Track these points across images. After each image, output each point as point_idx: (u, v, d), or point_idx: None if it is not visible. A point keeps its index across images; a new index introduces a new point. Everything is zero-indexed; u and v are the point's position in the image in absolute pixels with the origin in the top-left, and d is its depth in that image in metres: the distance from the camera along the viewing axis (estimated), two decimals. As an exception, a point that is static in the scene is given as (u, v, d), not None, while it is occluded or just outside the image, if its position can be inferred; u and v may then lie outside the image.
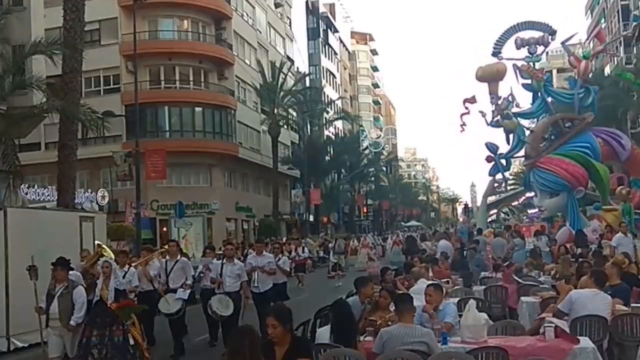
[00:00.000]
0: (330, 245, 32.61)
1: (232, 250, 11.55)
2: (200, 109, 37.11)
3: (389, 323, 6.68)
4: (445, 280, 11.37)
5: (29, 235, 12.06)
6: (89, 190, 30.58)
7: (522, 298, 10.20)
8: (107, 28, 35.22)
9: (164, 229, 33.18)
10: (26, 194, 25.02)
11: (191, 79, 37.73)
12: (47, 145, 31.89)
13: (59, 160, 19.70)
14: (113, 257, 10.83)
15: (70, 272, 8.70)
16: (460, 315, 7.04)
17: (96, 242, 12.30)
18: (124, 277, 9.78)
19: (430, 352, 5.97)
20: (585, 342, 6.49)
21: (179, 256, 11.34)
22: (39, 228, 12.59)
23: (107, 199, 30.78)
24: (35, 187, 27.06)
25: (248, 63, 43.32)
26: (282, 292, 12.52)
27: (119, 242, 22.68)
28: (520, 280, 11.71)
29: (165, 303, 10.47)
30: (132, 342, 8.35)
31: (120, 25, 35.17)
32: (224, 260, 11.11)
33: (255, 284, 11.63)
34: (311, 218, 52.15)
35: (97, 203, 29.71)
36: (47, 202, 24.58)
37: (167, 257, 11.33)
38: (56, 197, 20.68)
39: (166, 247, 12.06)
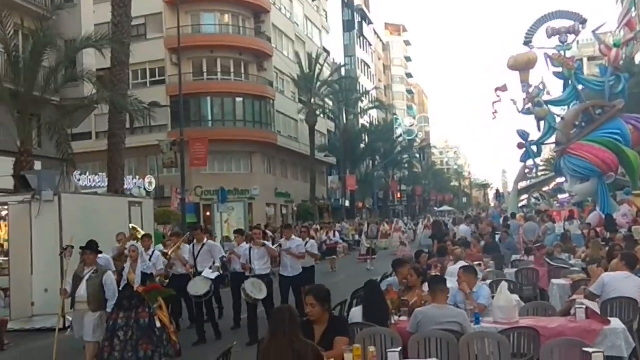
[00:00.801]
0: (363, 229, 32.97)
1: (259, 234, 11.29)
2: (240, 99, 37.86)
3: (423, 303, 6.83)
4: (477, 263, 11.51)
5: (82, 219, 12.61)
6: (137, 177, 31.44)
7: (553, 280, 10.26)
8: (152, 23, 36.22)
9: (208, 213, 33.69)
10: (79, 180, 26.17)
11: (232, 70, 38.48)
12: (97, 135, 33.03)
13: (108, 148, 20.70)
14: None
15: (100, 256, 8.84)
16: (493, 297, 7.09)
17: (130, 225, 12.45)
18: (149, 260, 9.77)
19: (464, 332, 6.02)
20: (615, 323, 6.44)
21: (205, 240, 11.55)
22: (90, 213, 13.26)
23: (154, 185, 31.59)
24: (87, 174, 28.02)
25: (286, 55, 43.89)
26: (310, 277, 12.49)
27: (165, 226, 23.37)
28: (551, 263, 11.84)
29: (194, 286, 10.55)
30: (158, 324, 8.36)
31: (164, 20, 36.00)
32: (252, 244, 10.96)
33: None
34: (347, 203, 52.65)
35: (144, 189, 30.51)
36: (98, 188, 25.48)
37: (195, 242, 11.59)
38: (106, 184, 21.65)
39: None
